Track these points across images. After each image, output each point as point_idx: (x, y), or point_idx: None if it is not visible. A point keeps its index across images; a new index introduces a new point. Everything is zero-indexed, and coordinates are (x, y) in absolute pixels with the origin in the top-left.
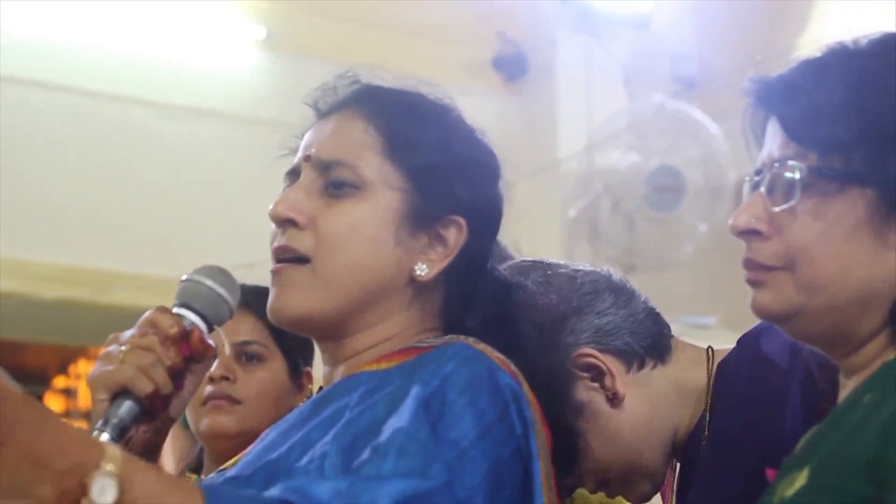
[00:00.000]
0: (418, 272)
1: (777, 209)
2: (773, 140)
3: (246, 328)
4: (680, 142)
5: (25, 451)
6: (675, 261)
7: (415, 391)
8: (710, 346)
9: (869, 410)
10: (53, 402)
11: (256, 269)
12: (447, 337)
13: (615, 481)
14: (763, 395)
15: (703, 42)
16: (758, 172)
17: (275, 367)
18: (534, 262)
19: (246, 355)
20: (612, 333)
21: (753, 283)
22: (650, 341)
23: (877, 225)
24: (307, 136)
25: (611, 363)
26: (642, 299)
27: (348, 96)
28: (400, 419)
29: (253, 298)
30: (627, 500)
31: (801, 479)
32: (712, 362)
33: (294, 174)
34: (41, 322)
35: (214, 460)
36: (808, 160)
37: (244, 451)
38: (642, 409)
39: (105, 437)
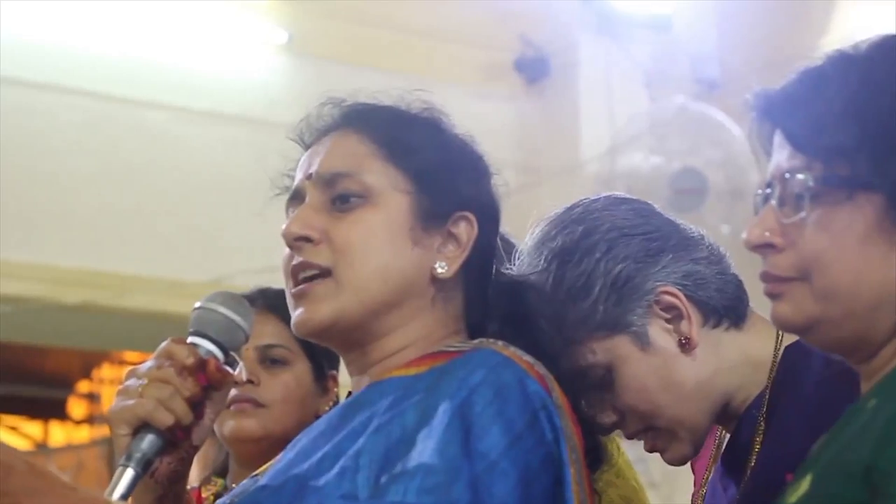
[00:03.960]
0: (439, 270)
1: (788, 221)
2: (780, 152)
3: (270, 331)
4: (701, 143)
5: None
6: None
7: (444, 404)
8: None
9: (871, 416)
10: (77, 407)
11: (275, 273)
12: (475, 342)
13: (658, 432)
14: (827, 398)
15: (725, 43)
16: (768, 185)
17: (299, 371)
18: (633, 198)
19: (270, 359)
20: (700, 283)
21: (772, 296)
22: (732, 303)
23: (887, 229)
24: (302, 161)
25: (692, 310)
26: (731, 265)
27: (336, 118)
28: (430, 434)
29: (277, 302)
30: (665, 458)
31: (804, 486)
32: (781, 341)
33: (296, 198)
34: (62, 326)
35: (240, 464)
36: (815, 170)
37: (276, 458)
38: (708, 365)
39: (130, 472)
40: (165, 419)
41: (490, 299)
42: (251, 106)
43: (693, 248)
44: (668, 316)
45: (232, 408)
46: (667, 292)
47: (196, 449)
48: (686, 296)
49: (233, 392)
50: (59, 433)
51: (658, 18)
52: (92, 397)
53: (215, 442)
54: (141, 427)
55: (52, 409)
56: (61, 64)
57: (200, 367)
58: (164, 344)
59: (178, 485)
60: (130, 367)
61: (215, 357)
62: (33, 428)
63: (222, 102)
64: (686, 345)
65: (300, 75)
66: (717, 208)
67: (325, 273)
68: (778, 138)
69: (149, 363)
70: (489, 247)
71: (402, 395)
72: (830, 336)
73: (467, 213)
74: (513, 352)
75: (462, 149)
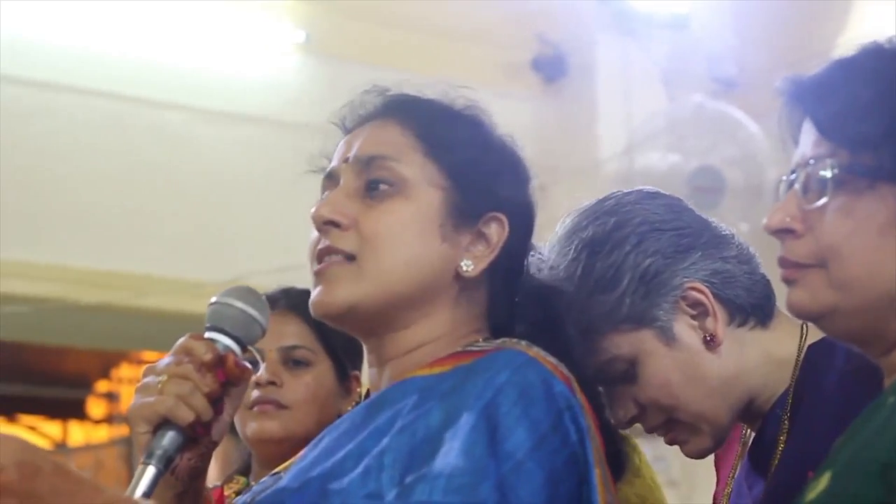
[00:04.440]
0: (464, 268)
1: (810, 207)
2: (807, 139)
3: (292, 332)
4: (719, 142)
5: None
6: None
7: (469, 405)
8: (804, 323)
9: (890, 413)
10: (96, 407)
11: (293, 273)
12: (499, 341)
13: (680, 425)
14: (850, 396)
15: (742, 42)
16: (792, 172)
17: (321, 372)
18: (664, 193)
19: (293, 360)
20: (728, 281)
21: (788, 282)
22: (759, 302)
23: None
24: (340, 146)
25: (718, 308)
26: (759, 265)
27: (378, 107)
28: (455, 435)
29: (299, 302)
30: (685, 451)
31: (823, 483)
32: (805, 339)
33: (331, 179)
34: (81, 327)
35: (262, 464)
36: (840, 157)
37: (297, 456)
38: (732, 363)
39: (151, 469)
40: (186, 416)
41: (518, 302)
42: (269, 106)
43: (723, 247)
44: (694, 312)
45: (255, 409)
46: (694, 288)
47: (215, 445)
48: (713, 293)
49: (255, 393)
50: (78, 433)
51: (675, 17)
52: (111, 397)
53: (235, 441)
54: (161, 424)
55: (71, 409)
56: (79, 65)
57: (219, 362)
58: (181, 340)
59: (198, 481)
60: (148, 365)
61: (233, 352)
62: (52, 428)
63: (240, 103)
64: (711, 342)
65: (318, 75)
66: (735, 206)
67: (349, 258)
68: (806, 125)
69: (167, 360)
70: (520, 250)
71: (426, 395)
72: (844, 326)
73: (499, 215)
74: (537, 352)
75: (502, 150)
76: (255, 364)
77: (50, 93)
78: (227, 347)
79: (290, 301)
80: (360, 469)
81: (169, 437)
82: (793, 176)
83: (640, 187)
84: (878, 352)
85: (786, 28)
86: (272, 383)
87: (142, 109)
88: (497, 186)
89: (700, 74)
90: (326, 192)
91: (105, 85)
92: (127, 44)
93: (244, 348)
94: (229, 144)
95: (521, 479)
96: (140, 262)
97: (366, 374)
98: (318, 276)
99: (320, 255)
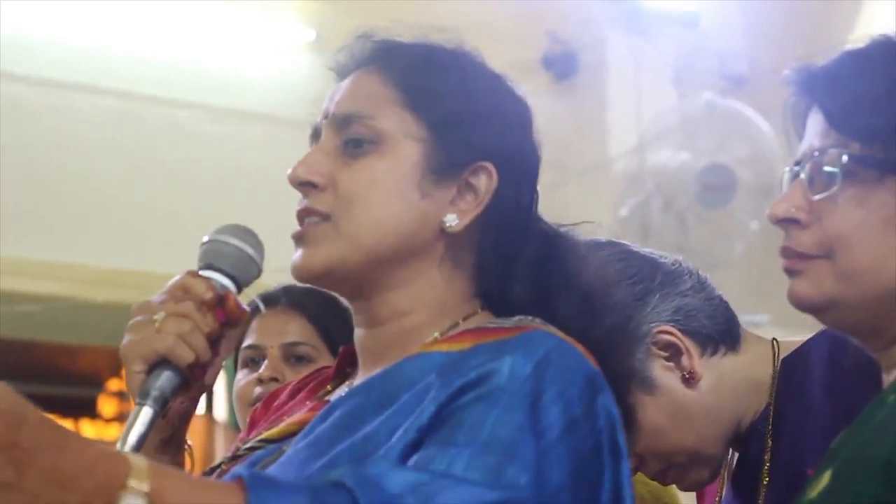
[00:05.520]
0: (448, 223)
1: (817, 198)
2: (814, 130)
3: (294, 329)
4: (730, 139)
5: (49, 475)
6: (727, 259)
7: (501, 381)
8: (774, 339)
9: (890, 411)
10: (107, 405)
11: None
12: (515, 319)
13: (677, 466)
14: (837, 397)
15: (752, 39)
16: (797, 163)
17: None
18: (609, 240)
19: (294, 356)
20: (691, 315)
21: (791, 272)
22: (724, 327)
23: None
24: (326, 99)
25: (689, 344)
26: (713, 287)
27: (365, 54)
28: (485, 410)
29: (301, 299)
30: (682, 487)
31: (824, 480)
32: (778, 356)
33: (314, 136)
34: (92, 325)
35: None
36: (849, 149)
37: (289, 423)
38: (713, 394)
39: (147, 410)
40: (186, 355)
41: (520, 260)
42: (279, 105)
43: (678, 282)
44: (666, 354)
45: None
46: (662, 331)
47: (207, 388)
48: (680, 330)
49: (258, 390)
50: (89, 431)
51: (686, 15)
52: (122, 395)
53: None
54: (157, 364)
55: (82, 408)
56: (91, 64)
57: (219, 302)
58: (177, 277)
59: (185, 427)
60: (140, 303)
61: (232, 293)
62: (64, 426)
63: (251, 101)
64: (690, 379)
65: (328, 74)
66: (746, 204)
67: (324, 218)
68: (813, 116)
69: (161, 297)
70: (514, 202)
71: (452, 369)
72: (847, 318)
73: (487, 164)
74: (565, 335)
75: (492, 96)
76: (255, 311)
77: (62, 91)
78: (223, 287)
79: (291, 298)
80: (396, 437)
81: (166, 377)
82: (798, 167)
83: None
84: (879, 346)
85: (796, 25)
86: (275, 380)
87: (153, 108)
88: (484, 135)
89: (711, 72)
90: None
91: (117, 83)
92: (138, 42)
93: (240, 289)
94: (240, 142)
95: (551, 462)
96: (151, 260)
97: None
98: (297, 239)
99: (300, 217)
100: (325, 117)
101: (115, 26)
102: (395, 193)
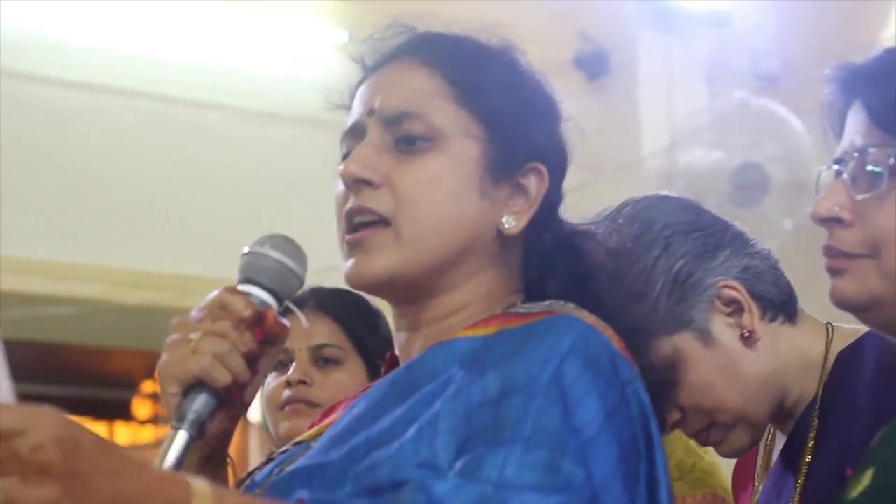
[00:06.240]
0: (506, 225)
1: (861, 197)
2: (856, 128)
3: (322, 331)
4: (762, 138)
5: (109, 501)
6: None
7: (534, 371)
8: (829, 323)
9: None
10: (141, 407)
11: (332, 272)
12: (546, 303)
13: (720, 426)
14: (883, 399)
15: (785, 38)
16: (838, 161)
17: (352, 369)
18: (676, 196)
19: (323, 359)
20: (758, 276)
21: (834, 271)
22: (786, 297)
23: None
24: (362, 91)
25: (752, 303)
26: (777, 260)
27: (402, 45)
28: (522, 406)
29: (328, 301)
30: (721, 451)
31: (866, 480)
32: (831, 340)
33: (355, 132)
34: (126, 328)
35: None
36: (894, 148)
37: (324, 425)
38: (766, 359)
39: (183, 434)
40: (222, 377)
41: (551, 254)
42: (311, 106)
43: (747, 244)
44: (729, 310)
45: (286, 409)
46: (728, 286)
47: (246, 407)
48: (746, 289)
49: (286, 393)
50: (124, 434)
51: (717, 14)
52: (156, 398)
53: (270, 438)
54: (193, 385)
55: (116, 410)
56: (123, 66)
57: (258, 319)
58: (214, 293)
59: (225, 445)
60: (178, 319)
61: (271, 308)
62: (99, 429)
63: (283, 103)
64: (749, 338)
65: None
66: (779, 203)
67: (383, 222)
68: (854, 114)
69: (198, 314)
70: (556, 201)
71: (476, 358)
72: (889, 317)
73: (539, 165)
74: (595, 319)
75: (536, 91)
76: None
77: (93, 94)
78: (263, 302)
79: (319, 301)
80: (411, 433)
81: (202, 400)
82: (839, 165)
83: (650, 193)
84: None
85: (828, 23)
86: (303, 382)
87: (185, 110)
88: (534, 133)
89: (743, 71)
90: (347, 144)
91: (149, 86)
92: (169, 45)
93: (281, 303)
94: (272, 144)
95: (599, 453)
96: (184, 262)
97: None
98: (354, 246)
99: (350, 215)
100: (369, 113)
101: (147, 29)
102: (457, 194)
